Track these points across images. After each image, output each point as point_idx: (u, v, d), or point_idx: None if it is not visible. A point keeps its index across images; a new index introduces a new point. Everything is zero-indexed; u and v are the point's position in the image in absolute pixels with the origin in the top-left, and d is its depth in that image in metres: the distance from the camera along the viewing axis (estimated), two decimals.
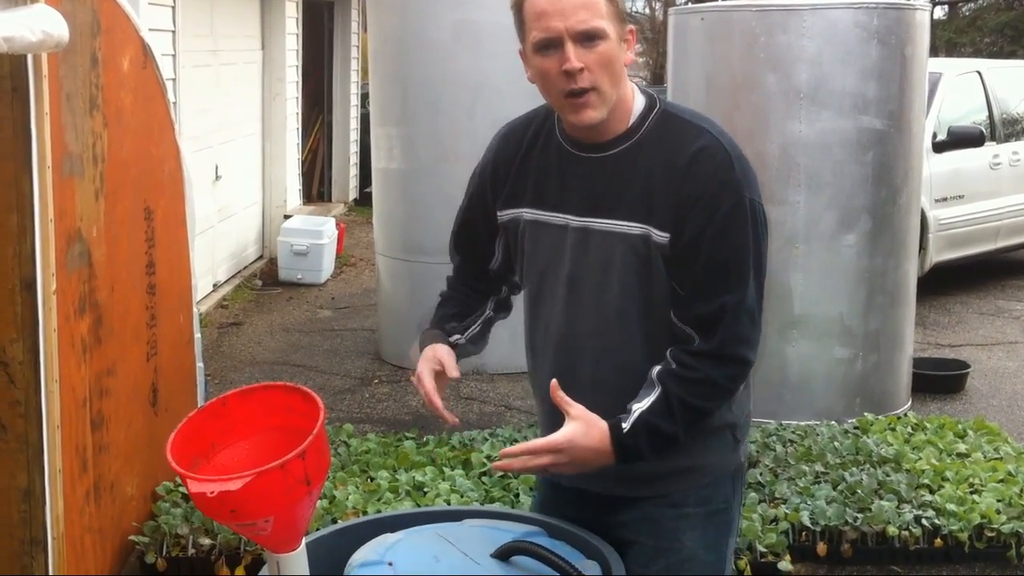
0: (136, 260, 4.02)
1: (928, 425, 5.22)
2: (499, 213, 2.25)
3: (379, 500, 4.22)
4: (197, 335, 4.74)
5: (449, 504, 4.12)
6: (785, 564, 3.99)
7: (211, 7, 8.74)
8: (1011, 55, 19.04)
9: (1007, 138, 9.23)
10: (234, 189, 9.45)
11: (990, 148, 8.92)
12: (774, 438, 4.91)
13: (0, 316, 3.11)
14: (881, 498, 4.27)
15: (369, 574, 1.97)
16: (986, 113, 9.12)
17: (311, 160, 12.86)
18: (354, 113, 13.43)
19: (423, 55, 6.63)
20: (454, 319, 2.37)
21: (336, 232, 9.87)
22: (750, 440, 3.07)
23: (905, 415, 5.50)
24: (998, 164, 9.02)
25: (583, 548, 2.10)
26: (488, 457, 4.69)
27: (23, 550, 3.21)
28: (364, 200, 12.65)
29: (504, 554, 2.01)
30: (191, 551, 3.96)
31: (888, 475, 4.47)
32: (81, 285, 3.43)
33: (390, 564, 1.99)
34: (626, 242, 2.05)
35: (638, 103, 2.11)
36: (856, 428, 5.14)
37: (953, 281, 8.97)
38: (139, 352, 4.04)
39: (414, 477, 4.43)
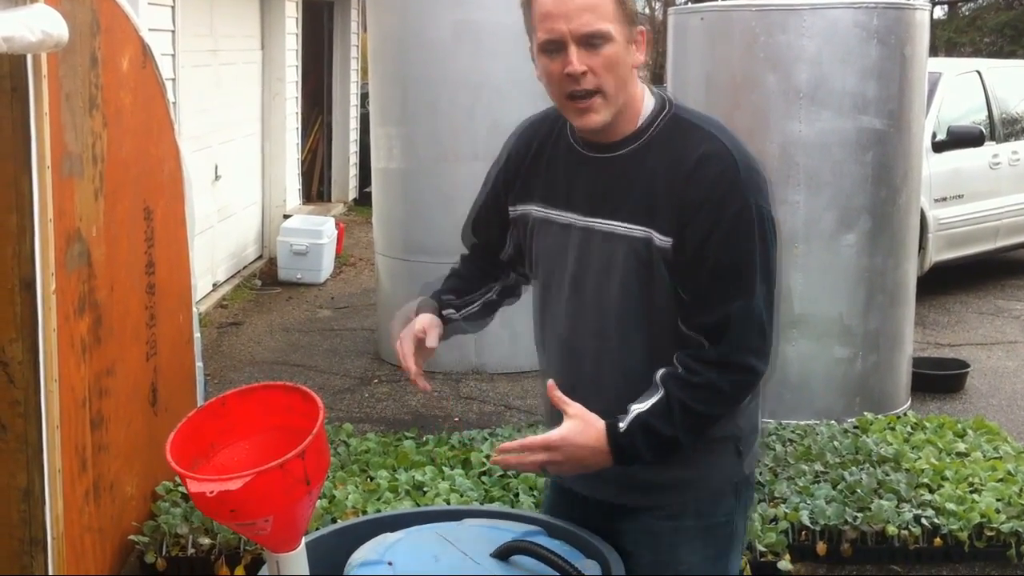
0: (136, 260, 4.02)
1: (928, 424, 5.22)
2: (510, 208, 2.26)
3: (379, 500, 4.22)
4: (197, 335, 4.74)
5: (449, 504, 4.12)
6: (785, 563, 3.99)
7: (211, 7, 8.74)
8: (1011, 55, 19.04)
9: (1007, 138, 9.23)
10: (234, 189, 9.45)
11: (990, 148, 8.92)
12: (774, 437, 4.91)
13: None
14: (881, 497, 4.27)
15: (369, 574, 1.97)
16: (986, 113, 9.12)
17: (311, 160, 12.85)
18: (354, 113, 13.43)
19: (423, 55, 6.63)
20: (453, 293, 2.36)
21: (336, 232, 9.86)
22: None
23: (905, 414, 5.50)
24: (997, 164, 9.02)
25: (583, 548, 2.10)
26: (488, 457, 4.69)
27: (23, 550, 3.21)
28: (364, 200, 12.65)
29: (504, 554, 2.01)
30: (191, 551, 3.96)
31: (888, 474, 4.47)
32: (80, 285, 3.43)
33: (390, 564, 1.99)
34: (628, 244, 2.04)
35: (648, 104, 2.09)
36: (856, 427, 5.14)
37: (953, 281, 8.97)
38: (139, 352, 4.04)
39: (414, 477, 4.43)
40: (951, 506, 4.22)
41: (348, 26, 13.37)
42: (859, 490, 4.31)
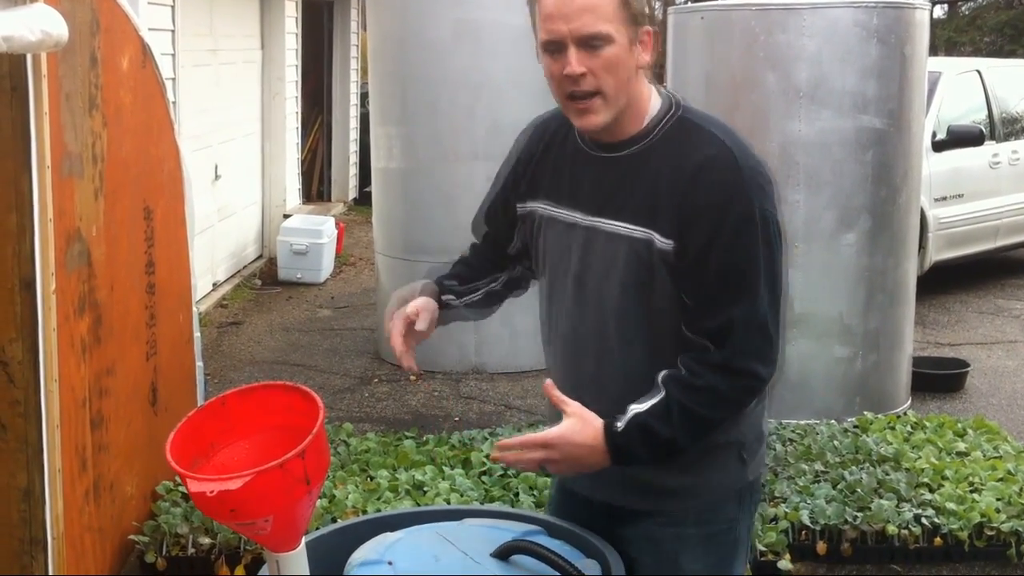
0: (135, 260, 4.02)
1: (928, 424, 5.22)
2: (518, 205, 2.26)
3: (379, 499, 4.22)
4: (196, 334, 4.74)
5: (449, 503, 4.12)
6: (785, 563, 3.99)
7: (210, 6, 8.74)
8: (1011, 54, 19.04)
9: (1006, 137, 9.23)
10: (233, 188, 9.45)
11: (989, 147, 8.92)
12: (774, 437, 4.91)
13: None
14: (881, 497, 4.27)
15: (369, 574, 1.97)
16: (985, 112, 9.12)
17: (310, 159, 12.85)
18: (354, 112, 13.43)
19: (423, 54, 6.63)
20: (456, 279, 2.37)
21: (335, 231, 9.86)
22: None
23: (905, 414, 5.50)
24: (997, 163, 9.02)
25: (583, 547, 2.10)
26: (488, 456, 4.69)
27: (23, 550, 3.21)
28: (363, 199, 12.65)
29: (504, 553, 2.01)
30: (191, 550, 3.96)
31: (888, 474, 4.47)
32: (80, 285, 3.43)
33: (390, 563, 1.99)
34: (629, 245, 2.03)
35: (655, 105, 2.08)
36: (856, 427, 5.14)
37: (953, 280, 8.96)
38: (138, 352, 4.04)
39: (414, 476, 4.43)
40: (951, 505, 4.22)
41: (348, 25, 13.37)
42: (859, 490, 4.31)
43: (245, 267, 9.73)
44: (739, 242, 1.97)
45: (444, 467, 4.58)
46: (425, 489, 4.33)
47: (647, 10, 2.03)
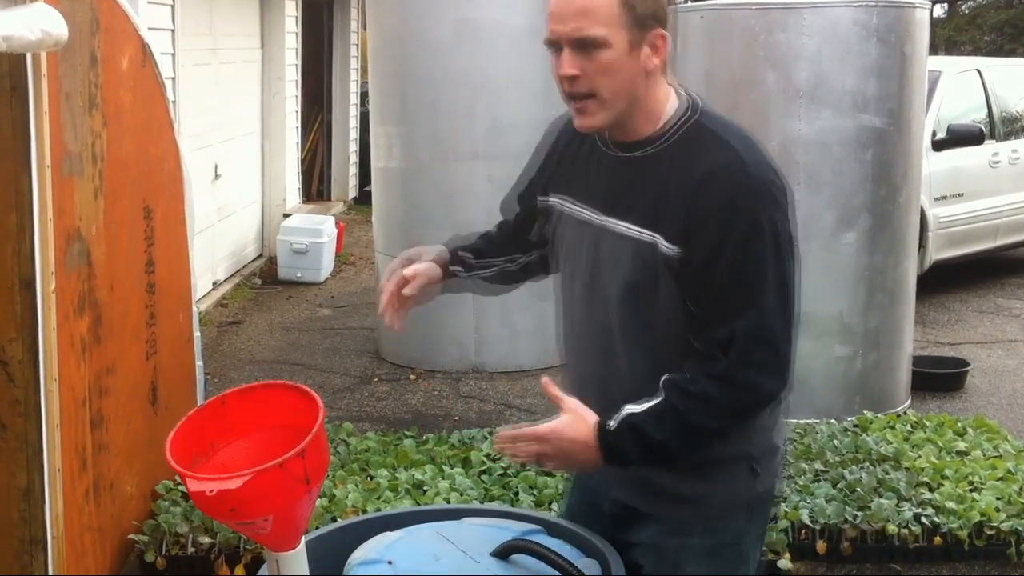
0: (135, 259, 4.02)
1: (928, 423, 5.22)
2: (539, 198, 2.27)
3: (379, 498, 4.22)
4: (196, 334, 4.74)
5: (449, 502, 4.12)
6: (785, 562, 3.99)
7: (210, 6, 8.74)
8: (1011, 53, 19.05)
9: (1006, 136, 9.23)
10: (233, 188, 9.45)
11: (989, 146, 8.92)
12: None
13: None
14: (881, 496, 4.27)
15: (369, 573, 1.97)
16: (985, 111, 9.12)
17: (310, 159, 12.85)
18: (353, 112, 13.43)
19: (423, 54, 6.62)
20: (472, 252, 2.39)
21: (335, 231, 9.86)
22: None
23: (904, 413, 5.50)
24: (997, 162, 9.02)
25: (583, 547, 2.10)
26: (487, 456, 4.69)
27: (23, 549, 3.21)
28: (363, 199, 12.65)
29: (504, 553, 2.01)
30: (191, 550, 3.96)
31: (888, 473, 4.47)
32: (80, 284, 3.43)
33: (390, 563, 1.99)
34: (635, 247, 2.01)
35: (672, 107, 2.04)
36: (856, 426, 5.14)
37: (953, 279, 8.96)
38: (138, 351, 4.04)
39: (413, 475, 4.43)
40: (951, 505, 4.22)
41: (348, 25, 13.36)
42: (859, 489, 4.31)
43: (245, 266, 9.73)
44: (745, 252, 1.93)
45: (444, 466, 4.59)
46: (425, 488, 4.33)
47: (660, 12, 1.99)
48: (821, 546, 4.11)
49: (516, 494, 4.29)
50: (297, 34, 11.18)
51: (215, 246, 8.81)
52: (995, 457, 4.76)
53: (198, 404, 3.00)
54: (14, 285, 3.10)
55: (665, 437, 1.96)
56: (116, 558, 3.86)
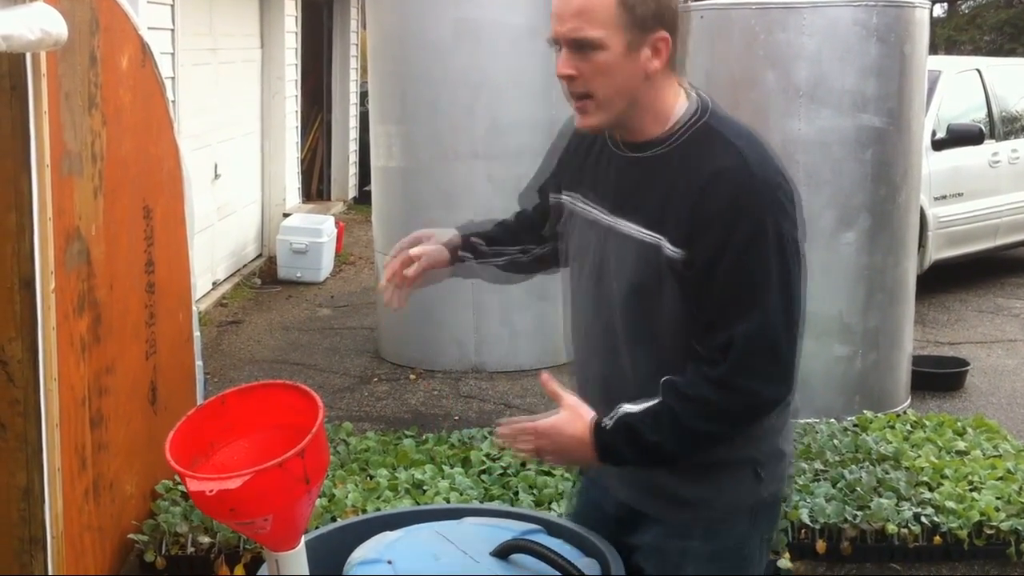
0: (135, 259, 4.02)
1: (927, 423, 5.22)
2: (551, 195, 2.28)
3: (378, 498, 4.22)
4: (196, 333, 4.74)
5: (448, 502, 4.12)
6: (784, 562, 3.99)
7: (210, 5, 8.74)
8: (1010, 53, 19.06)
9: (1006, 136, 9.23)
10: (233, 187, 9.45)
11: (989, 146, 8.92)
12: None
13: None
14: (880, 496, 4.27)
15: (368, 573, 1.97)
16: (985, 111, 9.12)
17: (310, 158, 12.85)
18: (353, 111, 13.43)
19: (422, 53, 6.62)
20: (484, 239, 2.40)
21: (335, 230, 9.86)
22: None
23: (904, 413, 5.50)
24: (997, 162, 9.02)
25: (582, 546, 2.10)
26: (487, 455, 4.69)
27: (22, 549, 3.21)
28: (363, 198, 12.64)
29: (503, 552, 2.01)
30: (190, 549, 3.96)
31: (887, 473, 4.47)
32: (80, 283, 3.43)
33: (389, 562, 1.99)
34: (639, 248, 2.00)
35: (681, 108, 2.02)
36: (855, 426, 5.14)
37: (952, 279, 8.97)
38: (138, 350, 4.04)
39: (413, 475, 4.43)
40: (951, 504, 4.22)
41: (347, 24, 13.36)
42: (859, 488, 4.31)
43: (245, 266, 9.73)
44: (747, 258, 1.90)
45: (444, 466, 4.58)
46: (425, 488, 4.33)
47: (663, 14, 1.95)
48: (821, 545, 4.11)
49: (516, 494, 4.29)
50: (297, 34, 11.18)
51: (215, 246, 8.81)
52: (995, 457, 4.76)
53: (198, 404, 3.00)
54: (14, 284, 3.10)
55: (660, 439, 1.95)
56: (116, 558, 3.86)
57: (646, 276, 1.99)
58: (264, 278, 9.56)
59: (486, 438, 4.97)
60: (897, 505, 4.22)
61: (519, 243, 2.40)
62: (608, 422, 1.97)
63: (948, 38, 22.10)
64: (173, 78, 7.19)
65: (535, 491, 4.31)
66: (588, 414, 1.99)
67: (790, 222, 1.96)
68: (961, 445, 4.89)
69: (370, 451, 4.80)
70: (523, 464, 4.61)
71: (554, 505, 4.16)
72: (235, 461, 1.87)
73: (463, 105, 6.54)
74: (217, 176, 8.86)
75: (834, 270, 5.55)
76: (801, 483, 4.40)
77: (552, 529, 2.15)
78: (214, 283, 8.81)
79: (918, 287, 6.12)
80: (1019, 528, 4.13)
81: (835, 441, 4.83)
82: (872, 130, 5.48)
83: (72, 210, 3.37)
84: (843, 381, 5.63)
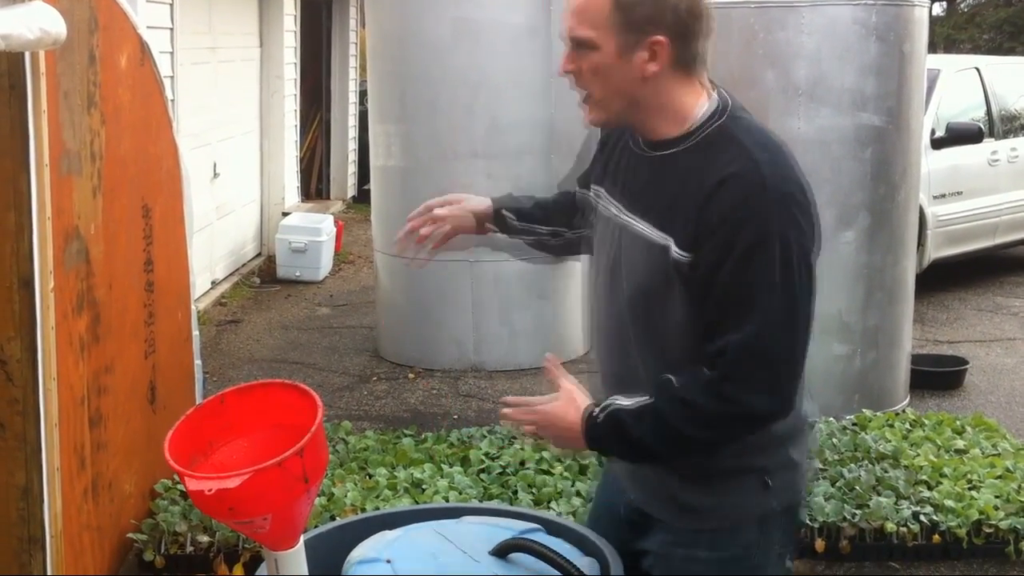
0: (134, 258, 4.02)
1: (926, 421, 5.23)
2: (580, 189, 2.29)
3: (377, 497, 4.22)
4: (195, 333, 4.74)
5: (447, 501, 4.12)
6: None
7: (209, 4, 8.73)
8: (1010, 51, 19.06)
9: (1005, 134, 9.23)
10: (232, 186, 9.45)
11: (988, 144, 8.93)
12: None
13: None
14: (879, 494, 4.27)
15: (367, 572, 1.97)
16: (984, 109, 9.12)
17: (309, 157, 12.85)
18: (352, 110, 13.43)
19: (422, 52, 6.62)
20: (516, 213, 2.41)
21: (334, 229, 9.86)
22: None
23: (903, 411, 5.51)
24: (996, 160, 9.02)
25: (581, 545, 2.10)
26: (486, 454, 4.70)
27: (21, 548, 3.21)
28: (362, 197, 12.64)
29: (502, 551, 2.01)
30: (189, 549, 3.96)
31: (886, 471, 4.47)
32: (79, 283, 3.43)
33: (388, 562, 1.98)
34: (649, 248, 1.98)
35: (701, 109, 1.98)
36: (854, 424, 5.14)
37: (951, 277, 8.97)
38: (137, 350, 4.04)
39: (412, 474, 4.43)
40: (949, 503, 4.22)
41: (346, 23, 13.36)
42: (858, 487, 4.31)
43: (244, 265, 9.73)
44: (749, 266, 1.86)
45: (443, 465, 4.59)
46: (424, 487, 4.33)
47: (662, 17, 1.92)
48: (820, 544, 4.11)
49: (515, 493, 4.29)
50: (296, 33, 11.18)
51: (214, 245, 8.81)
52: (993, 455, 4.77)
53: (197, 403, 3.00)
54: (12, 284, 3.10)
55: (645, 437, 1.94)
56: (115, 557, 3.86)
57: (654, 277, 1.98)
58: (263, 277, 9.56)
59: (485, 437, 4.97)
60: (896, 504, 4.22)
61: (551, 224, 2.41)
62: (598, 414, 1.98)
63: (947, 36, 22.11)
64: (172, 77, 7.19)
65: (534, 490, 4.31)
66: (583, 403, 2.01)
67: (799, 232, 1.90)
68: (960, 444, 4.90)
69: (369, 450, 4.80)
70: (522, 463, 4.61)
71: (553, 504, 4.16)
72: (234, 460, 1.87)
73: (462, 104, 6.54)
74: (216, 175, 8.85)
75: (833, 269, 5.54)
76: None
77: (551, 528, 2.15)
78: (213, 282, 8.81)
79: (917, 286, 6.12)
80: (1018, 527, 4.13)
81: (834, 440, 4.83)
82: (871, 129, 5.48)
83: (71, 209, 3.37)
84: (842, 380, 5.63)
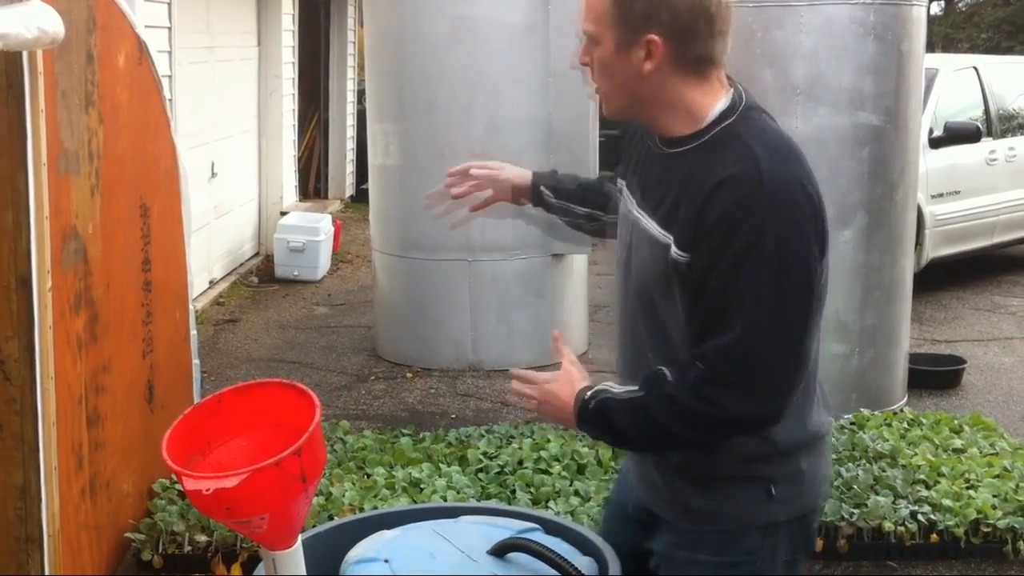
0: (132, 257, 4.02)
1: (924, 421, 5.23)
2: (618, 178, 2.31)
3: (375, 497, 4.22)
4: (193, 332, 4.74)
5: (445, 501, 4.12)
6: None
7: (207, 4, 8.73)
8: (1008, 51, 19.07)
9: (1003, 134, 9.23)
10: (230, 186, 9.44)
11: (986, 144, 8.93)
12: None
13: None
14: (877, 494, 4.28)
15: (366, 572, 1.97)
16: (982, 109, 9.13)
17: (307, 157, 12.84)
18: (350, 110, 13.42)
19: (420, 51, 6.62)
20: (554, 191, 2.47)
21: (332, 229, 9.85)
22: None
23: (901, 411, 5.51)
24: (994, 160, 9.02)
25: (580, 545, 2.10)
26: (484, 454, 4.69)
27: (19, 548, 3.21)
28: (360, 197, 12.64)
29: (500, 551, 2.01)
30: (187, 548, 3.96)
31: (884, 471, 4.48)
32: (77, 282, 3.43)
33: (386, 561, 1.99)
34: (654, 246, 1.99)
35: (715, 108, 1.98)
36: (852, 424, 5.15)
37: (949, 277, 8.97)
38: (135, 349, 4.04)
39: (410, 474, 4.43)
40: (947, 502, 4.22)
41: (345, 22, 13.35)
42: (855, 486, 4.31)
43: (242, 264, 9.73)
44: (739, 267, 1.84)
45: (441, 464, 4.58)
46: (422, 486, 4.33)
47: (659, 16, 1.91)
48: (818, 544, 4.11)
49: (513, 492, 4.29)
50: (294, 32, 11.17)
51: (212, 244, 8.81)
52: (991, 454, 4.77)
53: (194, 402, 2.99)
54: (10, 283, 3.10)
55: (626, 428, 1.95)
56: (112, 556, 3.86)
57: (657, 275, 1.99)
58: (261, 276, 9.56)
59: (483, 436, 4.97)
60: (894, 503, 4.22)
61: (588, 206, 2.45)
62: (589, 399, 1.99)
63: (945, 36, 22.12)
64: (170, 76, 7.18)
65: (532, 489, 4.31)
66: (579, 384, 2.03)
67: (798, 235, 1.86)
68: (958, 443, 4.90)
69: (367, 449, 4.80)
70: (520, 463, 4.61)
71: (551, 503, 4.16)
72: (232, 460, 1.87)
73: (460, 103, 6.54)
74: (214, 174, 8.85)
75: (831, 268, 5.53)
76: None
77: (549, 528, 2.15)
78: (211, 281, 8.80)
79: (915, 285, 6.12)
80: (1016, 526, 4.14)
81: (832, 439, 4.83)
82: (869, 128, 5.48)
83: (69, 208, 3.37)
84: (840, 379, 5.63)
